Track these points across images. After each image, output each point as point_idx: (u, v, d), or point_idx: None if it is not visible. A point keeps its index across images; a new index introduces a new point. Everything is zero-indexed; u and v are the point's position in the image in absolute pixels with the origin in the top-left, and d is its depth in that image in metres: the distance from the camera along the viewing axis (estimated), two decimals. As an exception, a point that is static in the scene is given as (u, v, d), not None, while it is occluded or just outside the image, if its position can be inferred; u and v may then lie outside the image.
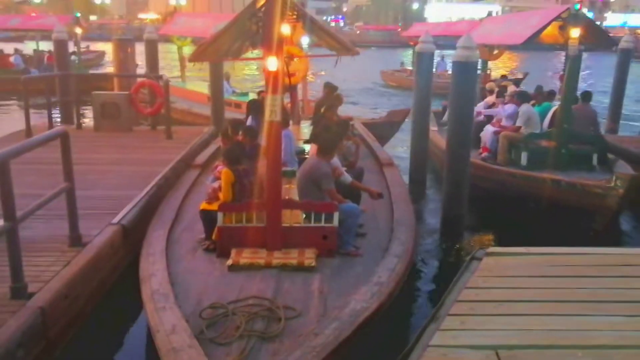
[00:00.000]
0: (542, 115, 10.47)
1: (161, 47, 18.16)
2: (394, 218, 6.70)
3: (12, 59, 25.97)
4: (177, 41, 21.19)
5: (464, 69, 8.51)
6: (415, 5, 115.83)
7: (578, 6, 10.48)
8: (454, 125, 8.68)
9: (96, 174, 8.72)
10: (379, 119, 14.86)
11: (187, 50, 21.81)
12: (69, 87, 13.67)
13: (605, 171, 9.25)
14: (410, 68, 30.31)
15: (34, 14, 50.53)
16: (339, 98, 10.85)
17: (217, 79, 14.07)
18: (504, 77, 16.73)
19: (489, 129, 10.64)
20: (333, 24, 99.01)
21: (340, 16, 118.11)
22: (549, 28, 11.71)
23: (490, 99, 12.42)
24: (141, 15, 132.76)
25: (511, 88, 12.09)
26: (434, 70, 28.76)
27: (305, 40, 12.10)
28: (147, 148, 10.86)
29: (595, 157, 9.70)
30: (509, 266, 5.31)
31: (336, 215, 5.59)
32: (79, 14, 31.33)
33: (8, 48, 29.14)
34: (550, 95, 11.36)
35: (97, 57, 38.18)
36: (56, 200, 5.59)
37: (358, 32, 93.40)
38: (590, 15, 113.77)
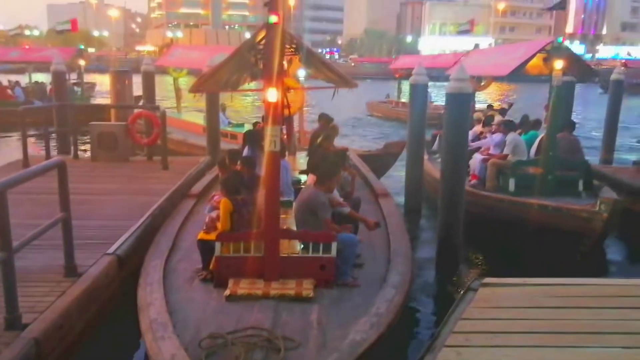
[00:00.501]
0: (529, 144, 10.77)
1: (157, 79, 18.32)
2: (391, 248, 6.70)
3: (9, 91, 26.04)
4: (173, 72, 21.36)
5: (457, 100, 8.59)
6: (408, 39, 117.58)
7: (561, 39, 10.80)
8: (448, 156, 8.73)
9: (92, 204, 8.72)
10: (376, 150, 14.93)
11: (183, 81, 21.99)
12: (67, 118, 13.75)
13: (591, 196, 9.48)
14: (396, 99, 30.70)
15: (27, 46, 50.98)
16: (335, 129, 10.92)
17: (213, 110, 14.17)
18: (490, 107, 16.96)
19: (477, 157, 10.88)
20: (328, 56, 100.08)
21: (335, 49, 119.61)
22: (534, 60, 12.00)
23: (478, 128, 12.77)
24: (138, 48, 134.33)
25: (498, 118, 12.52)
26: None
27: (301, 73, 12.25)
28: (144, 178, 10.88)
29: (581, 183, 9.97)
30: (504, 297, 5.30)
31: (334, 245, 5.59)
32: (82, 46, 31.65)
33: (4, 80, 29.31)
34: (536, 124, 11.67)
35: (88, 88, 38.35)
36: (52, 230, 5.59)
37: (353, 64, 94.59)
38: (582, 47, 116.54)
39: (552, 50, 11.23)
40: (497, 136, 10.86)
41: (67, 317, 5.10)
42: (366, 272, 6.09)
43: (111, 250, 6.61)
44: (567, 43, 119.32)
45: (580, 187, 9.95)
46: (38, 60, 23.82)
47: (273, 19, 5.37)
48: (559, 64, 9.80)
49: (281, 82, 5.54)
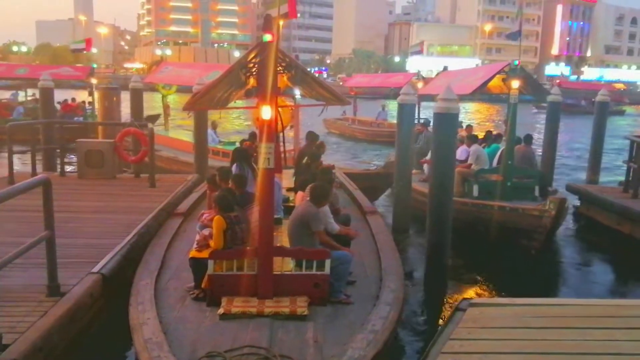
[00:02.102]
0: (492, 155, 12.14)
1: (145, 96, 18.29)
2: (382, 266, 6.71)
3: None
4: (162, 90, 21.32)
5: (445, 119, 8.63)
6: (396, 59, 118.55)
7: (517, 62, 12.13)
8: (437, 175, 8.75)
9: (78, 222, 8.63)
10: (374, 169, 14.89)
11: (172, 99, 21.94)
12: (53, 135, 13.67)
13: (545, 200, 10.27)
14: (352, 116, 30.82)
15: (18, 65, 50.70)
16: (323, 147, 10.97)
17: (201, 127, 14.14)
18: (468, 126, 17.61)
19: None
20: (316, 75, 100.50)
21: (323, 68, 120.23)
22: (495, 80, 12.98)
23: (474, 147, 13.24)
24: (127, 65, 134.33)
25: (462, 132, 13.94)
26: (375, 118, 29.72)
27: (297, 91, 12.31)
28: (130, 196, 10.80)
29: (537, 189, 11.24)
30: (493, 317, 5.29)
31: (328, 263, 5.58)
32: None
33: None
34: (497, 137, 13.12)
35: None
36: (35, 248, 5.51)
37: (341, 83, 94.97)
38: (567, 69, 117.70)
39: (510, 72, 12.22)
40: (462, 148, 12.05)
41: (48, 338, 5.00)
42: (358, 289, 6.09)
43: (96, 269, 6.53)
44: (552, 65, 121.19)
45: (537, 192, 11.19)
46: (52, 77, 23.62)
47: (267, 37, 5.41)
48: (515, 84, 10.85)
49: (275, 100, 5.54)
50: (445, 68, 27.51)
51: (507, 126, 11.64)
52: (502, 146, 11.98)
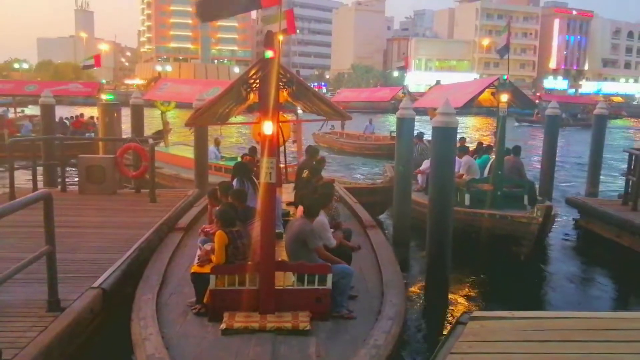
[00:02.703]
0: (483, 165, 12.73)
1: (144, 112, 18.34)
2: (383, 280, 6.71)
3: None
4: (160, 106, 21.36)
5: (444, 134, 8.65)
6: (395, 73, 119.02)
7: (506, 77, 12.67)
8: (436, 189, 8.76)
9: (78, 237, 8.63)
10: (381, 183, 14.90)
11: (171, 115, 21.97)
12: (54, 151, 13.71)
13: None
14: (340, 130, 31.07)
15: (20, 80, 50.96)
16: (323, 161, 11.00)
17: (202, 143, 14.19)
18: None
19: None
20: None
21: (323, 83, 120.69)
22: (485, 94, 13.56)
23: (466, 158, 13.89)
24: (127, 81, 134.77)
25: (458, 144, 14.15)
26: (363, 131, 30.25)
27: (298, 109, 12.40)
28: (131, 211, 10.81)
29: (526, 198, 11.67)
30: (494, 331, 5.27)
31: (330, 277, 5.58)
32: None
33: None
34: (488, 149, 13.80)
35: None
36: (36, 263, 5.51)
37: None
38: (565, 82, 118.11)
39: (499, 86, 12.66)
40: (454, 159, 11.78)
41: (48, 354, 4.99)
42: (360, 303, 6.08)
43: (96, 284, 6.51)
44: (550, 78, 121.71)
45: (526, 201, 11.61)
46: (61, 93, 23.61)
47: (269, 54, 5.46)
48: (504, 97, 11.46)
49: (277, 115, 5.58)
50: (437, 82, 28.00)
51: (496, 138, 12.07)
52: (492, 157, 12.57)
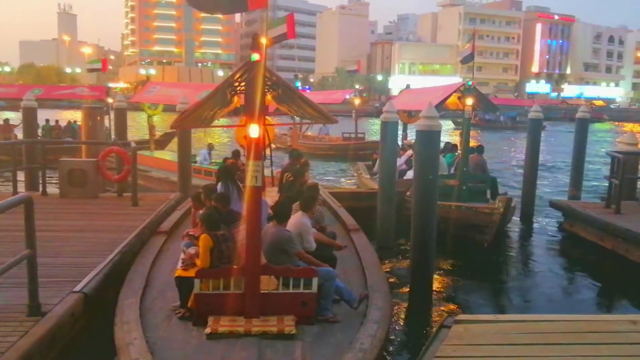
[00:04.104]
0: (450, 163, 13.97)
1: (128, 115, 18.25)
2: (368, 284, 6.71)
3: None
4: (147, 110, 21.20)
5: (427, 137, 8.67)
6: (379, 77, 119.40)
7: (470, 82, 13.50)
8: (420, 191, 8.76)
9: (59, 241, 8.52)
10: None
11: (157, 119, 21.83)
12: (35, 154, 13.56)
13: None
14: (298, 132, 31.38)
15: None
16: (307, 165, 10.96)
17: (185, 146, 14.11)
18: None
19: (409, 174, 13.53)
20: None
21: (307, 87, 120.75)
22: (452, 98, 14.80)
23: (409, 152, 15.60)
24: (111, 85, 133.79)
25: None
26: (317, 133, 31.09)
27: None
28: (113, 215, 10.70)
29: (488, 192, 12.79)
30: (478, 334, 5.29)
31: (315, 281, 5.56)
32: (110, 84, 31.76)
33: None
34: (454, 148, 14.91)
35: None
36: (16, 267, 5.43)
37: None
38: (548, 87, 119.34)
39: (465, 91, 13.64)
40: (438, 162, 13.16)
41: (30, 358, 4.92)
42: (345, 307, 6.05)
43: (78, 288, 6.43)
44: (533, 82, 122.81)
45: (488, 195, 12.71)
46: (68, 97, 23.29)
47: (255, 56, 5.43)
48: (469, 101, 12.59)
49: (263, 118, 5.54)
50: (407, 86, 28.82)
51: (461, 138, 13.15)
52: (457, 155, 13.68)
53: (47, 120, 27.59)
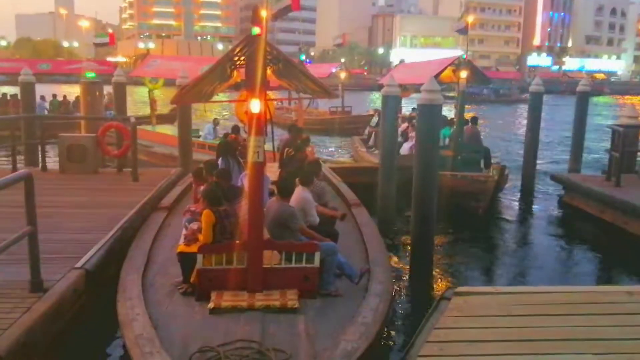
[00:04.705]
0: (448, 135, 14.09)
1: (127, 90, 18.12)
2: (369, 258, 6.74)
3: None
4: (149, 84, 21.04)
5: (429, 110, 8.63)
6: (380, 51, 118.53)
7: (465, 56, 14.20)
8: (421, 165, 8.73)
9: (60, 217, 8.54)
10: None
11: (158, 93, 21.70)
12: (34, 130, 13.52)
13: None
14: (287, 106, 31.47)
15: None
16: (307, 140, 10.95)
17: (185, 121, 14.08)
18: (414, 109, 18.63)
19: (405, 146, 14.22)
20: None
21: (307, 60, 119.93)
22: (447, 71, 15.20)
23: (404, 125, 16.44)
24: (109, 59, 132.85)
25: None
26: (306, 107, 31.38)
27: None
28: (113, 190, 10.71)
29: (482, 162, 13.32)
30: (477, 306, 5.32)
31: (317, 255, 5.59)
32: (108, 59, 31.44)
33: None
34: (450, 121, 14.85)
35: None
36: (18, 244, 5.45)
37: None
38: (549, 59, 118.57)
39: (459, 64, 14.34)
40: (439, 136, 13.60)
41: (32, 334, 4.96)
42: (346, 281, 6.09)
43: (79, 264, 6.46)
44: (534, 55, 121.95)
45: (482, 165, 13.25)
46: (73, 72, 23.04)
47: (256, 30, 5.37)
48: (463, 74, 13.11)
49: (264, 93, 5.51)
50: (401, 61, 29.27)
51: (457, 109, 13.61)
52: (452, 129, 13.90)
53: (54, 96, 27.40)
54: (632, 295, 5.66)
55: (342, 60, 74.88)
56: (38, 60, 31.92)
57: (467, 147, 13.51)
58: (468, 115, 14.79)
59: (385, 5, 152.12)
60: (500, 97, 58.11)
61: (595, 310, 5.28)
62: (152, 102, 20.93)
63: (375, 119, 17.26)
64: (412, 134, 14.24)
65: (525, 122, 16.23)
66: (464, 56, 14.10)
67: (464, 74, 13.08)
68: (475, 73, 15.17)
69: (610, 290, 6.21)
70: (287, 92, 16.68)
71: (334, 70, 34.02)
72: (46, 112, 24.48)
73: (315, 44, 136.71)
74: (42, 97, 25.66)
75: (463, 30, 17.29)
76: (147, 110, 22.78)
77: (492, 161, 13.56)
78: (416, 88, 14.54)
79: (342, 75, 34.81)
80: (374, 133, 17.77)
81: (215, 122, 17.32)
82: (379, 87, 14.18)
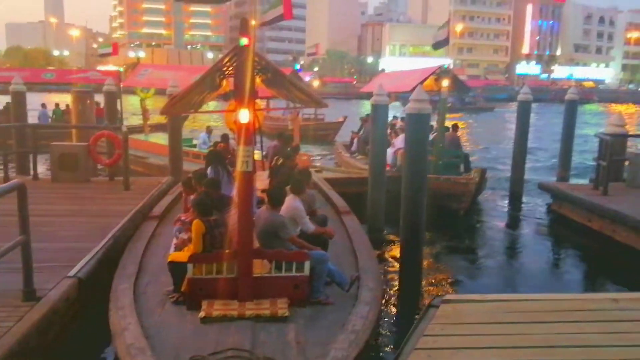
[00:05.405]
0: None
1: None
2: (359, 265, 6.80)
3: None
4: (140, 93, 21.02)
5: (417, 119, 8.69)
6: (369, 59, 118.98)
7: (447, 65, 14.69)
8: (410, 173, 8.79)
9: (53, 225, 8.57)
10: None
11: (150, 102, 21.67)
12: (25, 139, 13.53)
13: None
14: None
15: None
16: (297, 148, 11.02)
17: (176, 131, 14.12)
18: (394, 117, 19.27)
19: (389, 151, 13.86)
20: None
21: (298, 69, 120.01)
22: (429, 80, 15.51)
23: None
24: (100, 68, 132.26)
25: (401, 124, 16.60)
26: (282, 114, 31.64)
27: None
28: (105, 199, 10.74)
29: (462, 166, 14.23)
30: (465, 313, 5.40)
31: (307, 264, 5.64)
32: (99, 67, 31.19)
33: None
34: (430, 128, 14.74)
35: None
36: (11, 253, 5.48)
37: (317, 84, 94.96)
38: (538, 67, 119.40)
39: (441, 73, 15.04)
40: (403, 136, 13.41)
41: (25, 343, 4.99)
42: (336, 289, 6.14)
43: (72, 273, 6.50)
44: (523, 63, 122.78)
45: (462, 169, 14.14)
46: (77, 81, 22.90)
47: (244, 41, 5.43)
48: (445, 83, 13.96)
49: (253, 103, 5.57)
50: (382, 70, 29.94)
51: (438, 117, 14.15)
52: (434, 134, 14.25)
53: (57, 105, 27.24)
54: (618, 303, 5.76)
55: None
56: (43, 70, 31.58)
57: (448, 153, 14.31)
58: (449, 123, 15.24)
59: (374, 14, 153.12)
60: (465, 105, 58.52)
61: (581, 317, 5.36)
62: (144, 112, 20.90)
63: (366, 127, 17.17)
64: (394, 140, 14.83)
65: (496, 130, 16.59)
66: (446, 66, 14.88)
67: (445, 83, 13.91)
68: (456, 82, 15.89)
69: (597, 297, 6.30)
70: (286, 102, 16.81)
71: (307, 79, 34.33)
72: (50, 121, 24.45)
73: (304, 53, 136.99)
74: (44, 105, 25.70)
75: (442, 43, 17.39)
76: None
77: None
78: (397, 96, 14.84)
79: (315, 83, 35.10)
80: (356, 139, 18.25)
81: (209, 131, 17.32)
82: (368, 96, 14.32)
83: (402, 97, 23.93)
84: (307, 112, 30.73)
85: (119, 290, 5.97)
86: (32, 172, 12.73)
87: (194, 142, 17.44)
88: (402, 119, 17.68)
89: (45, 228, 8.16)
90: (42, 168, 14.64)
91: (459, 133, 15.75)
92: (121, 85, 23.79)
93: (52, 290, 6.00)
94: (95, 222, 8.88)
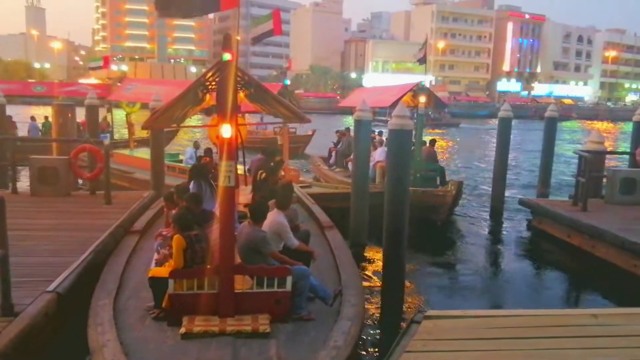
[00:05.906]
0: None
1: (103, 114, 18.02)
2: (342, 280, 6.79)
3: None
4: (126, 107, 20.90)
5: (399, 135, 8.74)
6: (353, 75, 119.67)
7: (424, 82, 15.48)
8: (392, 190, 8.82)
9: (32, 240, 8.47)
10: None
11: (135, 117, 21.55)
12: (5, 151, 13.38)
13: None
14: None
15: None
16: (281, 162, 11.01)
17: (158, 144, 14.06)
18: (372, 131, 18.93)
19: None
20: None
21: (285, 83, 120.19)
22: (407, 96, 16.20)
23: None
24: (82, 81, 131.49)
25: (379, 138, 16.96)
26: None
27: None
28: (86, 213, 10.64)
29: (438, 179, 14.88)
30: (447, 329, 5.42)
31: (289, 280, 5.63)
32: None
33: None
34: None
35: None
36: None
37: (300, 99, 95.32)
38: (519, 85, 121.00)
39: (418, 90, 15.79)
40: (382, 149, 15.01)
41: (3, 358, 4.92)
42: (319, 304, 6.13)
43: (51, 287, 6.42)
44: (504, 81, 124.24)
45: (438, 182, 14.76)
46: (72, 94, 22.71)
47: (227, 56, 5.45)
48: (422, 99, 14.78)
49: (235, 118, 5.58)
50: (359, 85, 30.85)
51: (415, 132, 14.03)
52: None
53: (47, 118, 27.02)
54: (597, 318, 5.82)
55: (284, 82, 76.74)
56: (33, 82, 31.45)
57: (425, 166, 14.96)
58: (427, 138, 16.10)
59: (357, 30, 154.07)
60: (431, 121, 59.39)
61: (561, 333, 5.41)
62: (130, 126, 20.76)
63: (344, 141, 18.12)
64: (373, 153, 15.02)
65: (465, 144, 17.07)
66: (423, 83, 15.47)
67: (422, 99, 14.73)
68: (432, 98, 16.59)
69: (577, 313, 6.36)
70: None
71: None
72: (40, 134, 24.23)
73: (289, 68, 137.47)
74: (33, 118, 25.47)
75: (422, 60, 18.75)
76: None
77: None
78: (374, 111, 15.18)
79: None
80: (334, 152, 18.63)
81: (196, 146, 17.22)
82: (351, 111, 14.59)
83: (380, 112, 25.08)
84: (278, 126, 30.91)
85: (99, 305, 5.91)
86: (10, 185, 12.57)
87: (180, 157, 17.33)
88: (380, 132, 18.21)
89: (24, 242, 8.08)
90: (25, 182, 14.50)
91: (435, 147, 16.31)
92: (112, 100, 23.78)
93: (30, 305, 5.92)
94: (75, 237, 8.80)
